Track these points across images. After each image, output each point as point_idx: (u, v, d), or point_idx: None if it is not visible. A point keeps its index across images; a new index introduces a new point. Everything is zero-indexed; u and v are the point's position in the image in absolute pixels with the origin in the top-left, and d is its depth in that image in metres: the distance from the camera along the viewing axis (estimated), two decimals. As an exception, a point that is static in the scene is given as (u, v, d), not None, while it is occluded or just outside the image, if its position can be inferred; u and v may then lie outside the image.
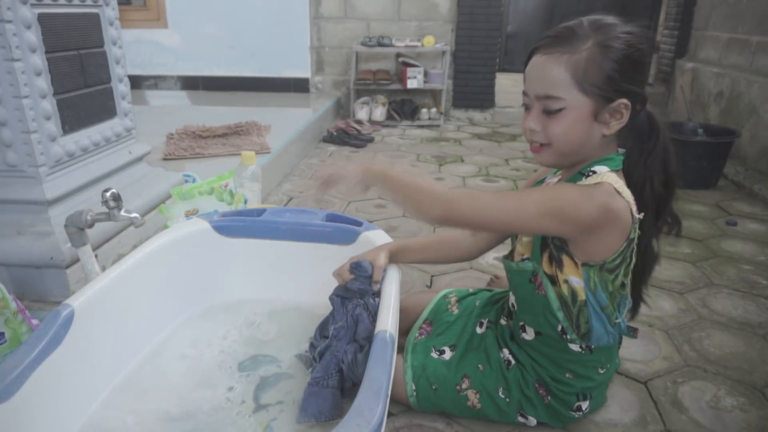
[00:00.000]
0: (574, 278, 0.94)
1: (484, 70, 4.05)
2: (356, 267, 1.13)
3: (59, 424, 0.93)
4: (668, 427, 1.09)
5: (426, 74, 3.94)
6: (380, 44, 3.92)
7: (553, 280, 0.97)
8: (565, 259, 0.94)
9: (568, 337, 0.99)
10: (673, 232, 1.00)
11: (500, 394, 1.05)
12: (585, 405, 1.04)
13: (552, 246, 0.95)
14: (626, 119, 0.89)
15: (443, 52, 3.93)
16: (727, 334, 1.41)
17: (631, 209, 0.90)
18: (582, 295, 0.95)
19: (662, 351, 1.33)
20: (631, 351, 1.32)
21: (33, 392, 0.86)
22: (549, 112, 0.89)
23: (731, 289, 1.64)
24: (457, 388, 1.06)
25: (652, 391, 1.19)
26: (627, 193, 0.90)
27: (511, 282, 1.08)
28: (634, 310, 1.06)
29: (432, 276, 1.68)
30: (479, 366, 1.07)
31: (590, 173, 0.92)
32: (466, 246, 1.19)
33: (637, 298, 1.05)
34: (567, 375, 1.03)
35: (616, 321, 1.00)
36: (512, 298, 1.09)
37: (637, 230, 0.93)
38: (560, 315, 0.98)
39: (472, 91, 4.13)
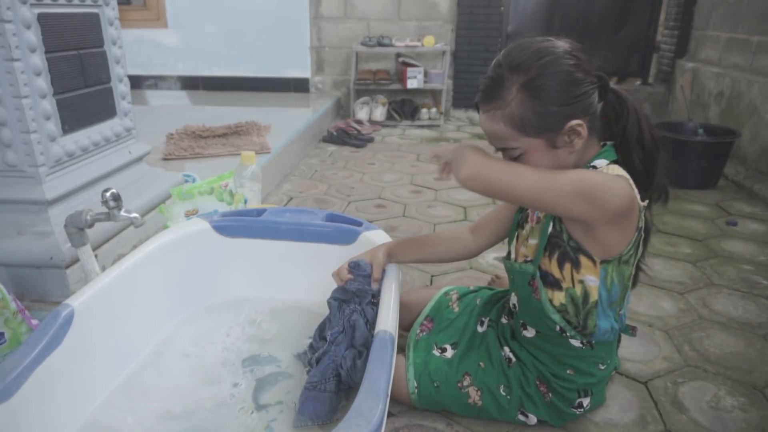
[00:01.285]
0: (590, 278, 0.94)
1: (484, 70, 4.02)
2: (354, 266, 1.13)
3: (59, 424, 0.93)
4: (668, 427, 1.09)
5: (426, 74, 3.94)
6: (380, 44, 3.92)
7: (558, 284, 0.97)
8: (583, 260, 0.94)
9: (568, 334, 1.00)
10: (661, 201, 1.00)
11: (501, 391, 1.05)
12: (586, 402, 1.05)
13: (568, 247, 0.94)
14: (586, 132, 0.89)
15: (443, 52, 3.93)
16: (727, 334, 1.41)
17: (638, 198, 0.91)
18: (594, 296, 0.95)
19: (662, 351, 1.33)
20: (631, 351, 1.32)
21: (33, 392, 0.86)
22: (513, 158, 0.93)
23: (731, 289, 1.64)
24: (459, 385, 1.06)
25: (652, 391, 1.19)
26: (632, 183, 0.90)
27: (513, 283, 1.08)
28: (634, 280, 1.04)
29: (432, 276, 1.68)
30: (480, 363, 1.08)
31: (593, 168, 0.93)
32: (465, 244, 1.19)
33: (637, 270, 1.04)
34: (568, 371, 1.03)
35: (620, 312, 1.01)
36: (513, 299, 1.09)
37: (641, 218, 0.93)
38: (556, 317, 0.98)
39: (472, 91, 4.12)
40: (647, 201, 0.95)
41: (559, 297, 0.97)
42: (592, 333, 0.99)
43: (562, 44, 0.89)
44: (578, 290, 0.96)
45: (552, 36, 0.91)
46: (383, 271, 1.15)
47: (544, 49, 0.87)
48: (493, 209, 1.19)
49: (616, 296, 0.97)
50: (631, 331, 1.07)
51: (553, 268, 0.97)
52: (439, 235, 1.22)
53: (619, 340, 1.15)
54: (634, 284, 1.04)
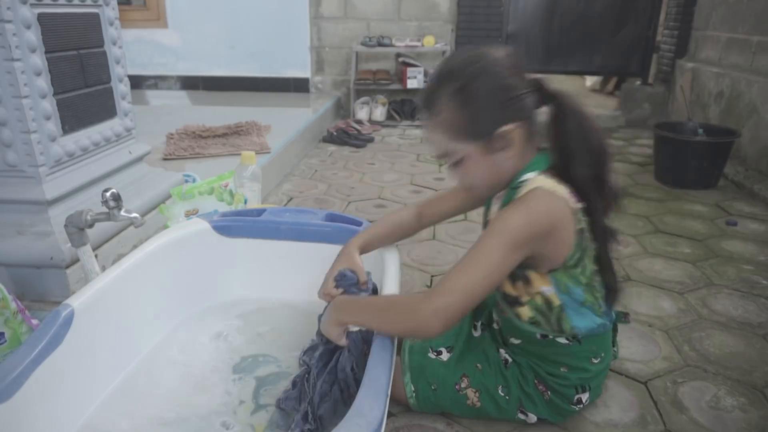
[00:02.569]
0: (544, 288, 0.95)
1: (484, 70, 4.05)
2: (341, 279, 1.10)
3: (59, 425, 0.93)
4: (668, 427, 1.09)
5: (426, 74, 3.94)
6: (380, 44, 3.92)
7: (518, 301, 0.98)
8: (531, 274, 0.95)
9: (551, 336, 1.00)
10: (613, 208, 0.97)
11: (500, 391, 1.05)
12: (585, 397, 1.05)
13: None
14: (520, 137, 0.91)
15: (443, 52, 3.93)
16: (727, 334, 1.41)
17: (569, 202, 0.90)
18: (557, 301, 0.96)
19: (662, 351, 1.33)
20: (631, 351, 1.32)
21: (33, 392, 0.86)
22: (453, 165, 0.96)
23: (731, 289, 1.64)
24: (456, 387, 1.06)
25: (652, 391, 1.19)
26: (561, 189, 0.90)
27: (489, 300, 1.10)
28: (614, 296, 1.01)
29: (432, 276, 1.68)
30: (477, 365, 1.08)
31: (520, 184, 0.93)
32: (411, 227, 1.22)
33: (612, 283, 1.00)
34: (562, 369, 1.03)
35: (602, 310, 0.99)
36: (495, 313, 1.11)
37: (584, 218, 0.92)
38: (531, 328, 1.00)
39: (472, 91, 4.12)
40: (586, 203, 0.92)
41: (525, 312, 0.98)
42: (573, 333, 0.99)
43: (496, 51, 0.90)
44: (539, 300, 0.97)
45: (493, 45, 0.93)
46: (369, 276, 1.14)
47: (475, 56, 0.89)
48: (442, 196, 1.21)
49: (581, 296, 0.96)
50: (624, 317, 1.08)
51: (508, 288, 0.98)
52: (391, 222, 1.22)
53: (615, 330, 1.15)
54: (611, 278, 0.99)
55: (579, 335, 1.00)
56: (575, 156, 0.91)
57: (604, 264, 0.98)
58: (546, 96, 0.93)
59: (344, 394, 0.95)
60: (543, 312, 0.97)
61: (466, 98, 0.89)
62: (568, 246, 0.92)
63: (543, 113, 0.95)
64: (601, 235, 0.95)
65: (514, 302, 0.99)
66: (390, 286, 1.07)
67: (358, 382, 0.92)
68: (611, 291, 1.01)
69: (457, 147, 0.93)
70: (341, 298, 0.98)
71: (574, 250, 0.92)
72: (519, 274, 0.95)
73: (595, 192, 0.92)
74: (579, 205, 0.92)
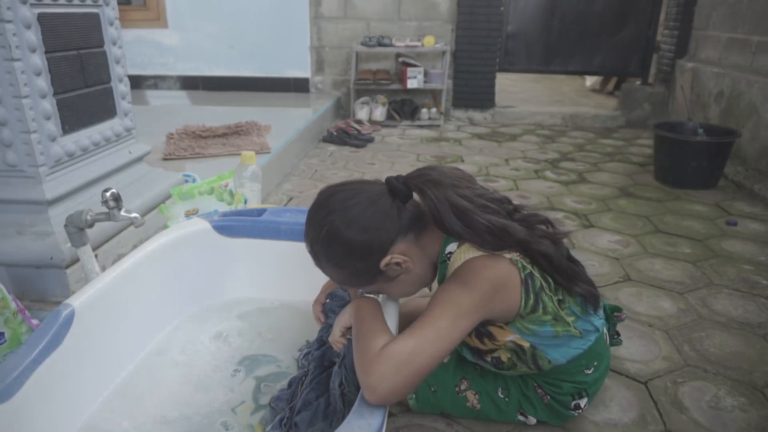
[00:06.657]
0: (509, 337, 0.95)
1: (484, 70, 4.05)
2: (332, 298, 1.09)
3: (59, 425, 0.93)
4: (668, 427, 1.09)
5: (426, 74, 3.94)
6: (380, 44, 3.91)
7: (491, 350, 0.98)
8: (492, 329, 0.95)
9: (534, 367, 0.99)
10: (550, 230, 0.96)
11: (499, 393, 1.05)
12: (583, 403, 1.05)
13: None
14: (409, 247, 0.91)
15: (443, 52, 3.93)
16: (727, 334, 1.41)
17: (503, 257, 0.89)
18: (526, 344, 0.95)
19: (662, 351, 1.33)
20: (631, 351, 1.32)
21: (33, 393, 0.86)
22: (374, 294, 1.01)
23: (731, 289, 1.64)
24: (456, 389, 1.06)
25: (652, 391, 1.19)
26: (484, 251, 0.89)
27: None
28: (594, 301, 0.98)
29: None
30: (477, 367, 1.08)
31: (448, 257, 0.93)
32: None
33: (587, 293, 0.97)
34: (556, 379, 1.03)
35: (578, 331, 0.96)
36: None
37: (525, 259, 0.91)
38: (514, 371, 1.00)
39: (472, 91, 4.12)
40: (515, 251, 0.91)
41: (503, 354, 0.98)
42: (553, 366, 0.99)
43: (338, 195, 0.90)
44: (511, 347, 0.96)
45: (335, 186, 0.93)
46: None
47: (322, 220, 0.89)
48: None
49: (550, 332, 0.94)
50: (617, 317, 1.08)
51: (476, 343, 0.98)
52: None
53: (615, 324, 1.14)
54: (584, 289, 0.96)
55: (560, 366, 0.99)
56: (449, 222, 0.89)
57: (567, 283, 0.94)
58: (405, 194, 0.92)
59: (329, 408, 0.94)
60: (517, 353, 0.97)
61: (337, 263, 0.91)
62: (515, 302, 0.90)
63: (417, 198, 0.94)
64: (548, 261, 0.91)
65: (488, 352, 0.98)
66: (387, 302, 1.02)
67: (344, 399, 0.91)
68: (589, 298, 0.97)
69: (366, 288, 0.98)
70: (358, 302, 0.95)
71: (525, 300, 0.90)
72: (481, 330, 0.95)
73: (508, 238, 0.89)
74: (514, 253, 0.90)
